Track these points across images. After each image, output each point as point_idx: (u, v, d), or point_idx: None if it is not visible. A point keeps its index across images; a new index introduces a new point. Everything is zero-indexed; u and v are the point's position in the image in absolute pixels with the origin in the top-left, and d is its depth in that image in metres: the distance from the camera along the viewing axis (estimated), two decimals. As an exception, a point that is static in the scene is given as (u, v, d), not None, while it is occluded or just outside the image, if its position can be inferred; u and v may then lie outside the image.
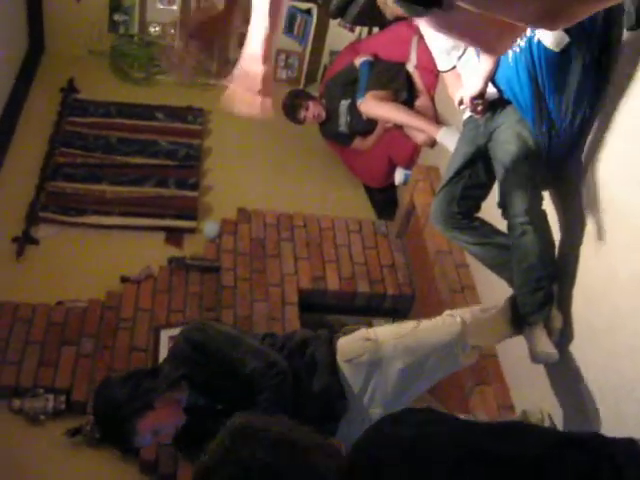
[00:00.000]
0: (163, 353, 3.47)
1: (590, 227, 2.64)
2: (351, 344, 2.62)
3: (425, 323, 2.71)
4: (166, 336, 3.56)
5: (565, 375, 2.79)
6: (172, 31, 5.18)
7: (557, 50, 2.44)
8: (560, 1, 1.60)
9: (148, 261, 3.92)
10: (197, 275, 3.90)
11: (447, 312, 2.80)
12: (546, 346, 2.68)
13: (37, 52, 5.19)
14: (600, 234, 2.58)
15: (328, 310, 3.98)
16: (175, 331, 3.56)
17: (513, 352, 3.09)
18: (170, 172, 4.53)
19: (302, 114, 4.53)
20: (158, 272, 3.88)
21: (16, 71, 4.89)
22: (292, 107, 4.52)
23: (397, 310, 4.05)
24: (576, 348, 2.74)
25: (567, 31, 2.43)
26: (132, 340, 3.55)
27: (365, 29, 5.11)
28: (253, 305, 3.70)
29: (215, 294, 3.80)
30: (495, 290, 3.22)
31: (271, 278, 3.85)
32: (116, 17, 5.11)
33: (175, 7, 5.10)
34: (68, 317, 3.58)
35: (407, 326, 2.70)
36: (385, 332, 2.66)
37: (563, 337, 2.77)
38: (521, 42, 2.53)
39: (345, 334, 2.69)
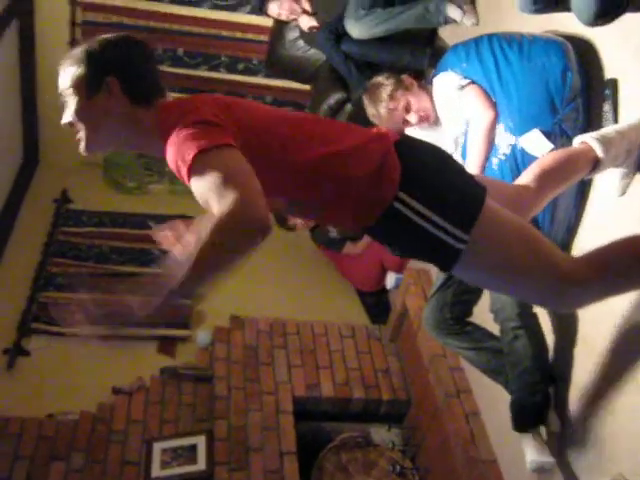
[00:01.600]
0: (155, 467, 3.40)
1: (583, 329, 2.65)
2: None
3: None
4: (159, 448, 3.49)
5: (566, 481, 2.74)
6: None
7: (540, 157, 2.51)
8: None
9: (140, 370, 3.87)
10: (190, 385, 3.85)
11: None
12: (542, 454, 2.64)
13: (32, 164, 5.29)
14: (594, 336, 2.59)
15: (324, 417, 3.92)
16: (168, 443, 3.51)
17: (513, 455, 3.04)
18: (163, 280, 4.52)
19: (293, 221, 4.58)
20: (150, 382, 3.84)
21: (11, 182, 4.97)
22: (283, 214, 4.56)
23: (393, 415, 3.99)
24: (575, 452, 2.70)
25: (548, 137, 2.51)
26: (124, 454, 3.47)
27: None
28: (247, 415, 3.63)
29: (208, 404, 3.74)
30: (491, 393, 3.20)
31: (265, 386, 3.80)
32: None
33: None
34: (58, 431, 3.51)
35: None
36: None
37: (561, 441, 2.73)
38: (506, 150, 2.60)
39: None
